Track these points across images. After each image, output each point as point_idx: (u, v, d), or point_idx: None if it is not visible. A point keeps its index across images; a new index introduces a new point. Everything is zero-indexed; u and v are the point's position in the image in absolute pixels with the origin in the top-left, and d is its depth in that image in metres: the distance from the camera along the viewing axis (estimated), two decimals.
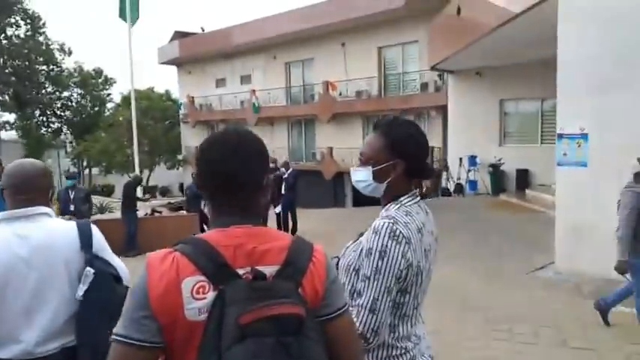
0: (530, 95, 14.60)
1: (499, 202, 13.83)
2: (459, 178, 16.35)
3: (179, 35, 28.38)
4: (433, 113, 18.95)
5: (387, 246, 1.40)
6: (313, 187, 19.10)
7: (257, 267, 1.06)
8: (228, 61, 25.82)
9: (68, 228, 1.78)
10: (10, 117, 31.01)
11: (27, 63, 29.57)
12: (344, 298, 1.20)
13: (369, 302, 1.40)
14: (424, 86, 18.90)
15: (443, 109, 17.77)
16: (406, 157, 1.54)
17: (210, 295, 1.01)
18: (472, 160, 16.09)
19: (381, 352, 1.49)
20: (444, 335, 4.42)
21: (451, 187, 16.76)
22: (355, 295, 1.45)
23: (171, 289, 1.02)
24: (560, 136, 6.28)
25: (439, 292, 5.74)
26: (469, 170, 16.12)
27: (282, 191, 9.99)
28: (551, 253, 6.48)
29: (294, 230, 10.03)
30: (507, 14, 8.83)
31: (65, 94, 33.30)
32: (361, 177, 1.59)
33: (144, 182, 29.49)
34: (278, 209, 10.20)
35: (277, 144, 23.86)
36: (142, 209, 9.98)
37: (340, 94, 21.07)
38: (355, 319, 1.40)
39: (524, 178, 14.80)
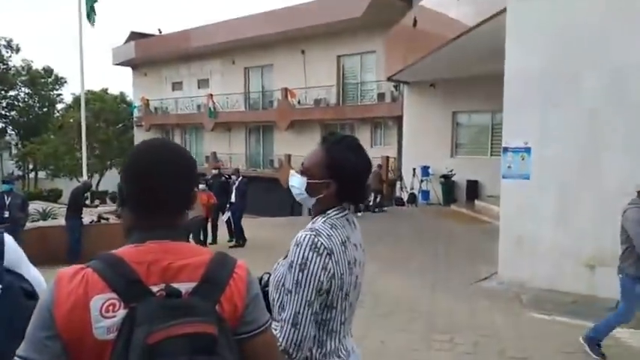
0: (481, 108, 15.07)
1: (449, 212, 14.16)
2: (412, 188, 16.65)
3: (135, 36, 27.75)
4: (390, 123, 19.27)
5: (307, 258, 1.38)
6: (270, 195, 18.99)
7: (172, 284, 1.01)
8: (185, 64, 25.43)
9: None
10: None
11: None
12: (265, 316, 1.16)
13: (292, 316, 1.38)
14: (381, 96, 19.22)
15: (398, 120, 18.10)
16: (340, 180, 1.52)
17: (121, 313, 0.97)
18: (425, 170, 16.44)
19: None
20: (387, 344, 4.45)
21: (405, 196, 17.04)
22: (280, 309, 1.42)
23: (78, 307, 0.97)
24: (506, 149, 6.49)
25: (384, 301, 5.80)
26: (422, 180, 16.45)
27: (232, 199, 9.90)
28: (496, 263, 6.66)
29: (240, 238, 9.97)
30: (462, 27, 9.09)
31: (11, 93, 31.78)
32: (296, 183, 1.58)
33: (93, 187, 28.51)
34: (226, 216, 10.11)
35: (235, 150, 23.62)
36: (88, 216, 9.58)
37: (299, 102, 21.10)
38: (279, 334, 1.37)
39: (474, 189, 15.24)
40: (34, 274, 1.81)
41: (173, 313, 0.96)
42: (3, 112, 32.50)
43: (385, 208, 16.76)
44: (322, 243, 1.40)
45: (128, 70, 28.93)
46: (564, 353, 4.07)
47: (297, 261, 1.39)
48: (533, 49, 6.23)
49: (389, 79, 16.38)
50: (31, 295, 1.73)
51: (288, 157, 21.03)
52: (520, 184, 6.33)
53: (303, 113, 20.89)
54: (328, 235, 1.44)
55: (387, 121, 19.37)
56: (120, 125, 29.91)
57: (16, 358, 0.99)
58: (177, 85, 26.38)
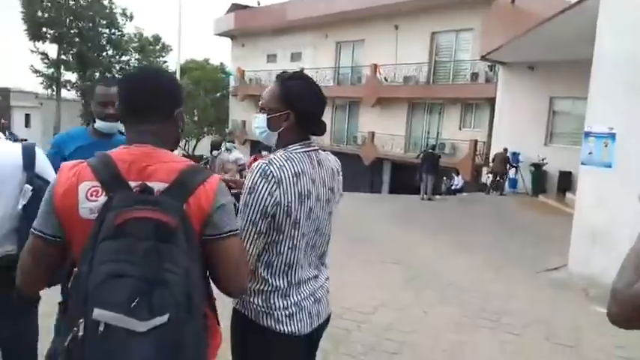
0: (582, 95, 13.84)
1: (536, 203, 13.44)
2: (508, 176, 15.85)
3: (236, 7, 28.83)
4: (482, 105, 18.46)
5: (256, 183, 1.54)
6: (351, 171, 19.15)
7: (148, 182, 1.22)
8: (280, 37, 26.04)
9: (14, 150, 1.98)
10: (72, 77, 32.59)
11: (91, 25, 30.97)
12: (232, 224, 1.33)
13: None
14: (474, 76, 18.43)
15: (491, 102, 17.26)
16: (297, 109, 1.64)
17: (102, 199, 1.21)
18: (515, 157, 15.60)
19: (255, 284, 1.62)
20: (430, 316, 4.50)
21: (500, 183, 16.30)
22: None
23: (70, 190, 1.23)
24: (588, 134, 6.07)
25: (442, 278, 5.81)
26: (510, 167, 15.66)
27: None
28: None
29: None
30: (564, 5, 8.47)
31: (124, 58, 34.62)
32: (258, 123, 1.70)
33: (190, 151, 30.38)
34: None
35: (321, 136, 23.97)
36: None
37: (386, 79, 20.83)
38: None
39: (566, 181, 14.23)
40: None
41: (142, 204, 1.16)
42: (117, 76, 35.56)
43: (464, 194, 16.29)
44: (272, 172, 1.54)
45: (228, 40, 30.26)
46: (617, 347, 3.86)
47: (248, 185, 1.55)
48: (625, 30, 5.70)
49: (483, 57, 15.58)
50: None
51: (372, 134, 20.99)
52: (600, 172, 5.90)
53: (391, 90, 20.62)
54: (280, 165, 1.57)
55: (478, 102, 18.58)
56: (218, 94, 31.50)
57: (31, 230, 1.28)
58: (271, 58, 27.16)
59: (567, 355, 3.83)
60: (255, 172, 1.55)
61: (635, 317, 1.09)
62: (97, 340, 1.04)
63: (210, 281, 1.40)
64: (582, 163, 6.16)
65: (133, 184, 1.22)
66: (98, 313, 1.04)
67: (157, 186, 1.23)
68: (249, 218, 1.54)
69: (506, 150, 15.13)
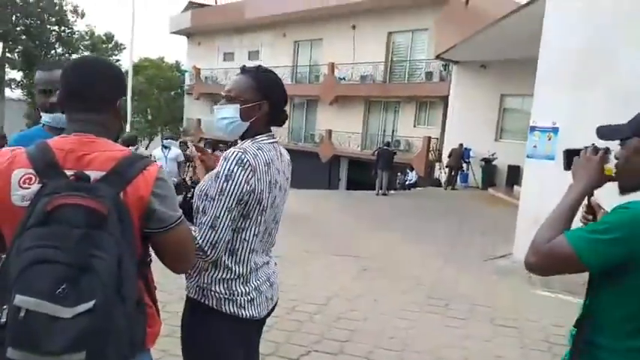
0: (531, 92, 14.42)
1: (486, 196, 13.90)
2: (463, 170, 16.29)
3: (193, 5, 28.37)
4: (435, 103, 18.91)
5: (233, 170, 1.54)
6: (309, 169, 19.17)
7: (85, 171, 1.20)
8: (237, 36, 25.81)
9: None
10: (17, 75, 31.12)
11: (39, 22, 29.64)
12: (176, 214, 1.31)
13: (211, 219, 1.54)
14: (429, 75, 18.83)
15: (444, 100, 17.72)
16: (271, 99, 1.69)
17: (35, 186, 1.18)
18: (466, 152, 16.08)
19: (218, 272, 1.63)
20: (380, 303, 4.59)
21: (443, 178, 16.79)
22: (201, 214, 1.58)
23: (2, 175, 1.20)
24: (533, 128, 6.34)
25: (392, 267, 5.94)
26: (462, 162, 16.13)
27: None
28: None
29: None
30: (515, 6, 8.79)
31: (74, 56, 33.39)
32: (228, 114, 1.68)
33: (143, 150, 29.62)
34: None
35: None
36: None
37: (343, 78, 21.02)
38: (197, 235, 1.54)
39: (514, 174, 14.78)
40: None
41: (75, 190, 1.14)
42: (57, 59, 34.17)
43: (418, 188, 16.67)
44: (248, 160, 1.56)
45: (184, 39, 29.71)
46: (554, 326, 4.05)
47: (223, 172, 1.54)
48: (570, 26, 5.99)
49: (438, 56, 15.99)
50: None
51: (329, 132, 21.13)
52: (544, 164, 6.17)
53: (349, 89, 20.81)
54: (254, 154, 1.59)
55: (432, 100, 19.02)
56: (172, 92, 30.88)
57: None
58: (228, 56, 26.86)
59: (510, 335, 3.99)
60: (231, 159, 1.55)
61: (548, 267, 1.27)
62: (17, 326, 1.02)
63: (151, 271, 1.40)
64: (527, 156, 6.42)
65: (69, 172, 1.20)
66: (19, 299, 1.02)
67: (94, 174, 1.20)
68: (225, 205, 1.54)
69: (461, 145, 15.59)
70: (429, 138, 18.04)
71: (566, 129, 5.97)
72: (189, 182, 8.79)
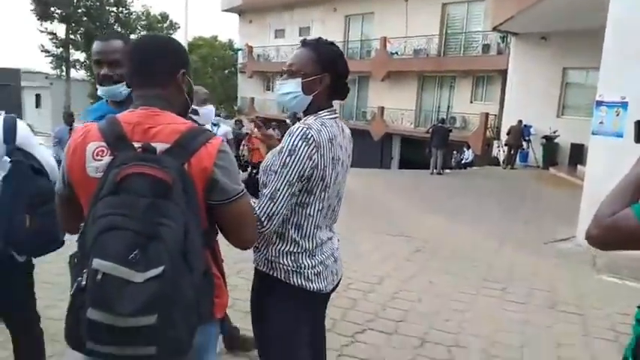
0: (595, 65, 13.56)
1: (547, 176, 13.33)
2: (523, 148, 15.67)
3: None
4: (493, 77, 18.17)
5: (297, 145, 1.55)
6: (360, 147, 19.01)
7: (151, 143, 1.26)
8: (288, 12, 25.70)
9: None
10: (81, 56, 32.52)
11: (98, 4, 30.78)
12: (238, 187, 1.36)
13: (271, 191, 1.57)
14: (486, 48, 18.08)
15: (503, 74, 16.97)
16: (332, 72, 1.68)
17: (107, 158, 1.26)
18: (527, 130, 15.40)
19: (285, 245, 1.66)
20: (435, 285, 4.54)
21: (500, 157, 16.21)
22: (263, 187, 1.62)
23: (78, 150, 1.31)
24: (599, 103, 5.96)
25: (448, 248, 5.85)
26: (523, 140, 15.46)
27: None
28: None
29: None
30: None
31: (132, 36, 34.40)
32: (290, 89, 1.70)
33: None
34: None
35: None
36: None
37: (396, 53, 20.54)
38: (256, 205, 1.57)
39: (578, 153, 14.04)
40: (43, 153, 2.13)
41: (142, 161, 1.20)
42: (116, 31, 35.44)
43: (475, 167, 16.20)
44: (312, 135, 1.57)
45: (235, 17, 29.94)
46: (621, 314, 3.86)
47: (287, 147, 1.57)
48: None
49: (495, 28, 15.26)
50: (39, 171, 2.05)
51: (381, 109, 20.82)
52: (611, 142, 5.81)
53: (401, 64, 20.35)
54: (318, 130, 1.60)
55: (490, 75, 18.27)
56: (226, 71, 31.35)
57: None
58: (279, 33, 26.85)
59: (572, 322, 3.84)
60: (296, 134, 1.57)
61: (611, 241, 1.20)
62: (95, 288, 1.09)
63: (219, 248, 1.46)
64: (593, 133, 6.07)
65: (137, 144, 1.26)
66: (97, 262, 1.09)
67: (160, 146, 1.26)
68: (286, 179, 1.57)
69: (520, 122, 14.95)
70: (487, 114, 17.40)
71: (636, 103, 5.57)
72: (242, 161, 8.98)
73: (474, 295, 4.34)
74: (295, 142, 1.55)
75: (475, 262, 5.32)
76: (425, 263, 5.23)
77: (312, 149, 1.56)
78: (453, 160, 17.78)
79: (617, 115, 5.74)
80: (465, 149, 17.78)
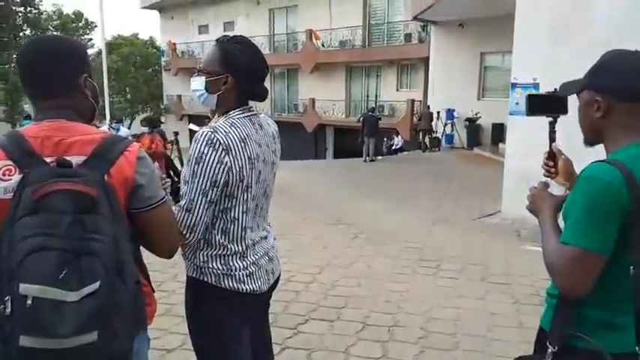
0: (511, 49, 14.37)
1: (472, 156, 14.01)
2: (435, 132, 16.39)
3: None
4: (416, 65, 18.77)
5: (203, 152, 1.50)
6: (294, 140, 19.06)
7: (65, 157, 1.18)
8: (211, 7, 25.10)
9: None
10: None
11: (2, 4, 28.48)
12: (159, 193, 1.32)
13: (187, 203, 1.52)
14: (408, 37, 18.61)
15: (425, 62, 17.57)
16: (235, 73, 1.61)
17: (16, 177, 1.15)
18: (450, 113, 16.10)
19: (213, 250, 1.62)
20: (374, 269, 4.65)
21: (427, 140, 16.83)
22: (181, 198, 1.57)
23: None
24: (514, 85, 6.34)
25: (382, 233, 5.99)
26: (446, 124, 16.17)
27: None
28: None
29: None
30: None
31: None
32: (196, 86, 1.66)
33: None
34: None
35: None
36: None
37: (323, 44, 20.69)
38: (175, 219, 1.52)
39: (499, 133, 14.83)
40: None
41: (60, 177, 1.12)
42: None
43: (404, 153, 16.72)
44: (218, 139, 1.51)
45: (156, 13, 28.83)
46: (545, 280, 4.13)
47: (194, 154, 1.52)
48: None
49: (415, 17, 15.77)
50: None
51: (312, 101, 20.94)
52: (526, 121, 6.11)
53: (328, 56, 20.52)
54: (226, 132, 1.54)
55: (413, 63, 18.87)
56: (149, 70, 30.17)
57: None
58: (203, 29, 26.17)
59: (502, 292, 4.08)
60: (201, 141, 1.51)
61: (579, 271, 1.18)
62: (26, 314, 1.03)
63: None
64: (510, 113, 6.44)
65: (48, 159, 1.17)
66: (24, 288, 1.03)
67: (75, 159, 1.19)
68: (199, 189, 1.51)
69: (428, 107, 15.73)
70: (412, 101, 17.99)
71: (546, 84, 5.95)
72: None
73: (410, 275, 4.49)
74: (201, 149, 1.50)
75: (410, 243, 5.50)
76: (363, 249, 5.34)
77: (221, 153, 1.51)
78: (384, 146, 18.25)
79: None
80: (394, 136, 18.30)
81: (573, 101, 1.46)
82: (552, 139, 1.51)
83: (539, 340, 1.37)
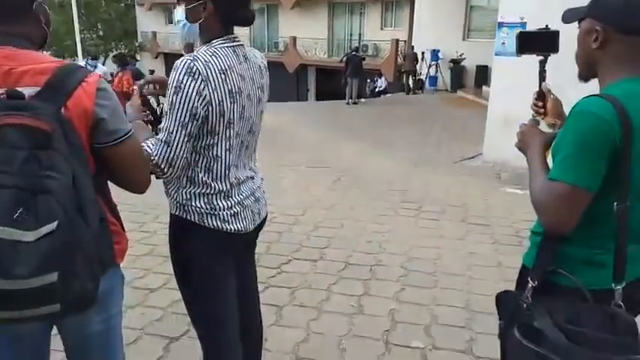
0: None
1: (455, 98, 13.94)
2: (420, 74, 16.17)
3: None
4: (402, 3, 18.20)
5: (182, 81, 1.42)
6: (274, 80, 18.51)
7: (16, 88, 1.08)
8: None
9: None
10: None
11: None
12: (125, 127, 1.24)
13: (165, 135, 1.45)
14: None
15: (411, 1, 17.04)
16: None
17: None
18: (434, 54, 15.82)
19: (196, 188, 1.56)
20: (356, 210, 4.69)
21: (411, 82, 16.63)
22: (160, 130, 1.49)
23: None
24: (501, 24, 6.18)
25: (365, 176, 6.01)
26: (430, 65, 15.93)
27: None
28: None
29: None
30: None
31: None
32: (179, 16, 1.57)
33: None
34: None
35: (238, 31, 22.77)
36: None
37: None
38: (154, 151, 1.46)
39: (483, 75, 14.69)
40: None
41: (11, 109, 1.03)
42: None
43: (388, 95, 16.55)
44: (198, 69, 1.42)
45: None
46: (524, 221, 4.24)
47: (172, 84, 1.43)
48: None
49: None
50: None
51: (294, 39, 20.30)
52: (512, 61, 5.98)
53: None
54: (205, 61, 1.45)
55: (398, 0, 18.28)
56: (122, 4, 28.63)
57: None
58: None
59: (482, 233, 4.17)
60: (180, 69, 1.42)
61: (565, 208, 1.17)
62: None
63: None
64: (496, 54, 6.33)
65: None
66: None
67: (27, 90, 1.09)
68: (177, 120, 1.43)
69: (412, 48, 15.44)
70: (397, 41, 17.58)
71: (534, 23, 5.82)
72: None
73: (392, 216, 4.54)
74: (180, 78, 1.41)
75: (392, 185, 5.54)
76: (346, 191, 5.35)
77: (200, 84, 1.42)
78: (367, 88, 18.01)
79: None
80: (377, 77, 18.02)
81: (563, 40, 1.43)
82: (542, 79, 1.49)
83: (521, 277, 1.39)
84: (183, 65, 1.42)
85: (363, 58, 14.18)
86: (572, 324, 1.14)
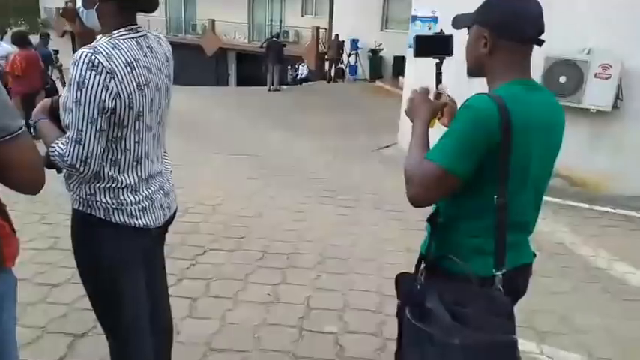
0: None
1: (373, 88, 14.31)
2: (341, 63, 16.40)
3: None
4: None
5: (84, 76, 1.35)
6: (192, 64, 18.02)
7: None
8: None
9: None
10: None
11: None
12: (16, 123, 1.14)
13: (75, 134, 1.38)
14: None
15: None
16: None
17: None
18: (354, 44, 16.10)
19: (101, 183, 1.50)
20: (275, 200, 4.71)
21: (332, 71, 16.83)
22: (66, 128, 1.41)
23: None
24: (414, 17, 6.43)
25: (285, 165, 6.02)
26: (350, 54, 16.20)
27: None
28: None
29: None
30: None
31: None
32: (79, 2, 1.49)
33: None
34: None
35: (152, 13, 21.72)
36: None
37: None
38: (65, 152, 1.39)
39: (400, 65, 15.12)
40: None
41: None
42: None
43: (310, 82, 16.64)
44: (100, 62, 1.36)
45: None
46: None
47: (75, 79, 1.36)
48: None
49: None
50: None
51: (212, 22, 19.73)
52: None
53: None
54: (108, 54, 1.39)
55: None
56: None
57: None
58: None
59: (394, 219, 4.35)
60: (81, 63, 1.33)
61: (428, 193, 1.27)
62: None
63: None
64: (409, 46, 6.57)
65: None
66: None
67: None
68: (85, 116, 1.36)
69: (337, 36, 15.63)
70: (317, 28, 17.67)
71: (445, 18, 6.12)
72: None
73: (311, 205, 4.62)
74: (82, 73, 1.34)
75: (312, 174, 5.62)
76: (266, 180, 5.35)
77: (105, 77, 1.36)
78: (289, 75, 17.97)
79: (430, 29, 6.25)
80: (299, 65, 18.04)
81: (459, 44, 1.51)
82: (439, 81, 1.53)
83: (418, 264, 1.48)
84: (84, 59, 1.34)
85: (284, 45, 14.14)
86: (459, 305, 1.25)
